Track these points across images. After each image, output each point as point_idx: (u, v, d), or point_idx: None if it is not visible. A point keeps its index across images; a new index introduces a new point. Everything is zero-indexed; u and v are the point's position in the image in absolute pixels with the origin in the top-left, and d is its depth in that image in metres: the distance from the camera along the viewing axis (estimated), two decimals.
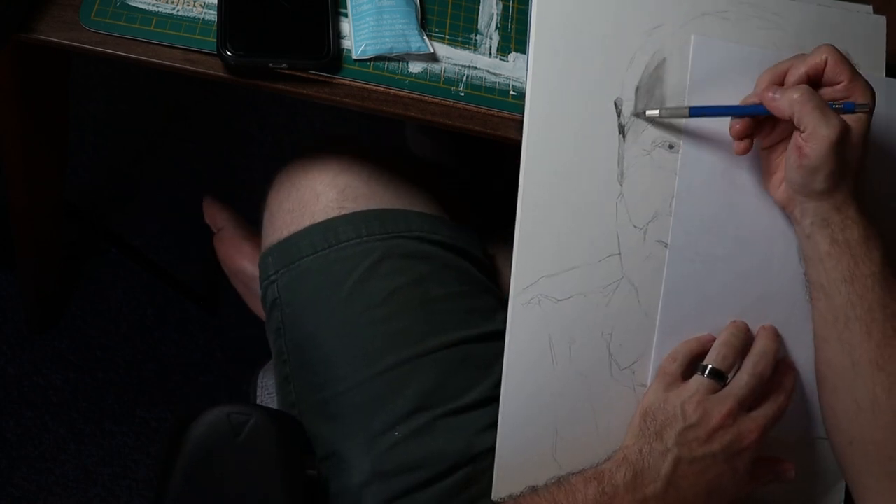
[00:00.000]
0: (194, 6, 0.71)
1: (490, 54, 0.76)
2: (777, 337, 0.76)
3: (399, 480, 0.73)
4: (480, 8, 0.77)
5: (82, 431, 1.29)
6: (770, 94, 0.70)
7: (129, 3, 0.70)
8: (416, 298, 0.78)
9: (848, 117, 0.69)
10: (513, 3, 0.78)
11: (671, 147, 0.75)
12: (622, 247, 0.74)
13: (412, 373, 0.75)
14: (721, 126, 0.74)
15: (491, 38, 0.77)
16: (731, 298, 0.76)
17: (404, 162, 0.88)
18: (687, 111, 0.73)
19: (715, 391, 0.71)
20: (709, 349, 0.74)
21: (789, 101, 0.68)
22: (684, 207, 0.75)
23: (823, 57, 0.69)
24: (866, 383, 0.69)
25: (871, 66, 0.78)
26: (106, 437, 1.29)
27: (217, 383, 1.35)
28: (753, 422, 0.70)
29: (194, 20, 0.71)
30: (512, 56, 0.76)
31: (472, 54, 0.76)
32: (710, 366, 0.72)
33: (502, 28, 0.77)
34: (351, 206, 0.80)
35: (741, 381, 0.72)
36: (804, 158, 0.69)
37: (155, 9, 0.70)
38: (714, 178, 0.75)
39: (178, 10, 0.71)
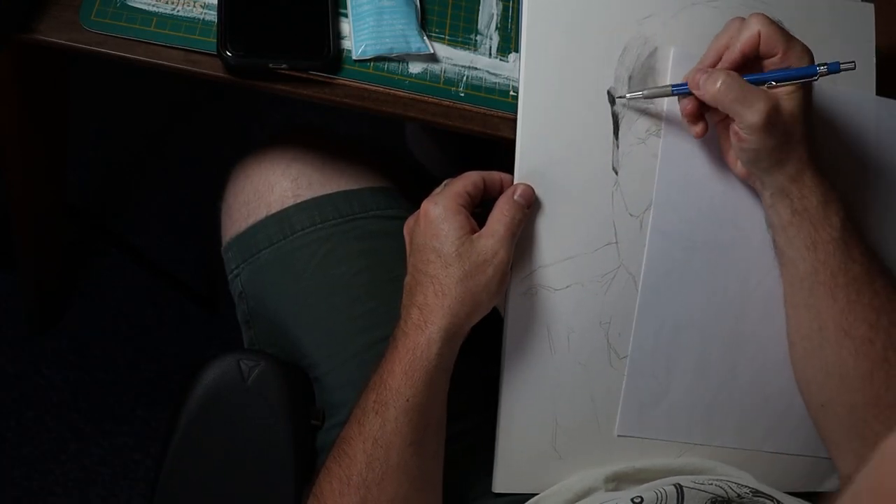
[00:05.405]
0: (194, 6, 0.71)
1: (490, 54, 0.76)
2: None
3: None
4: (480, 8, 0.77)
5: (82, 431, 1.29)
6: (696, 80, 0.69)
7: (130, 4, 0.70)
8: (379, 278, 0.77)
9: (780, 90, 0.68)
10: (513, 3, 0.78)
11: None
12: (619, 235, 0.74)
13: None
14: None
15: (491, 39, 0.77)
16: (713, 276, 0.75)
17: (359, 145, 0.88)
18: (669, 89, 0.72)
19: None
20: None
21: (712, 93, 0.68)
22: (665, 191, 0.74)
23: (756, 30, 0.68)
24: (833, 348, 0.70)
25: (860, 54, 0.78)
26: (106, 437, 1.29)
27: None
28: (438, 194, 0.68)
29: (194, 21, 0.71)
30: (512, 56, 0.76)
31: (472, 55, 0.76)
32: None
33: (502, 28, 0.77)
34: (306, 194, 0.80)
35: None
36: (742, 142, 0.69)
37: (155, 9, 0.70)
38: (694, 163, 0.74)
39: (178, 11, 0.71)
